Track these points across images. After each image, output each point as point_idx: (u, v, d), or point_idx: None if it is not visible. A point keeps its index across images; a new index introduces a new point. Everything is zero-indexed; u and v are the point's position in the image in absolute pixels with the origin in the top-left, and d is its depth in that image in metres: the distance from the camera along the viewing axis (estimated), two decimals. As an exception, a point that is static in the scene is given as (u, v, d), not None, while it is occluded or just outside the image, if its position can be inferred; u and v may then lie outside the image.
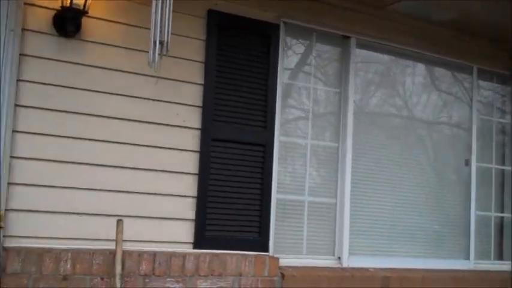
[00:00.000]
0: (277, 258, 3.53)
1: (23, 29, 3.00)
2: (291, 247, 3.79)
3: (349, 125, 3.97)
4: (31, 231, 2.99)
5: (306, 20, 3.86)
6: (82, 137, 3.12)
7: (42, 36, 3.05)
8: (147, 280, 3.16)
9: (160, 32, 2.86)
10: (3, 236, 2.93)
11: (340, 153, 3.97)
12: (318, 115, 4.01)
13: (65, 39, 3.10)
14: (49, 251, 2.96)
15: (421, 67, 4.49)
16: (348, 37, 4.03)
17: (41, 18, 3.05)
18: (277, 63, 3.68)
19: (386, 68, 4.35)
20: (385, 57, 4.33)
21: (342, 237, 3.89)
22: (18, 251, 2.89)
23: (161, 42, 2.85)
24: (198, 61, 3.45)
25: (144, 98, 3.29)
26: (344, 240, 3.89)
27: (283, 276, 3.49)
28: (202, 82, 3.45)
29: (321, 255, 3.88)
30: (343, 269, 3.81)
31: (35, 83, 3.03)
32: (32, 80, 3.02)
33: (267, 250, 3.57)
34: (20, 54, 2.99)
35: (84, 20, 3.10)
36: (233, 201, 3.50)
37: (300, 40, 3.98)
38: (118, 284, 2.97)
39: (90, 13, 3.07)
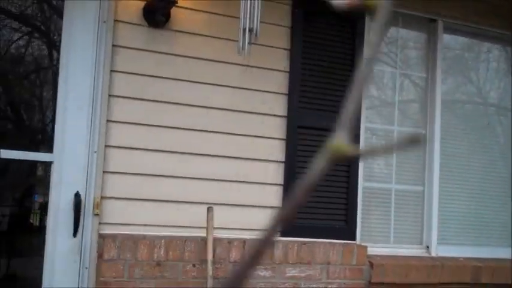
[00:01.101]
0: (366, 247, 3.48)
1: (115, 20, 3.07)
2: (378, 236, 3.72)
3: (436, 111, 3.84)
4: (125, 218, 3.06)
5: (391, 4, 3.74)
6: (173, 126, 3.16)
7: (133, 27, 3.11)
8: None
9: (249, 19, 2.86)
10: (99, 223, 3.02)
11: (428, 139, 3.86)
12: (404, 101, 3.91)
13: (155, 29, 3.14)
14: (143, 237, 3.02)
15: (507, 50, 4.29)
16: (434, 20, 3.90)
17: (132, 9, 3.10)
18: (363, 49, 3.60)
19: (473, 51, 4.18)
20: (472, 41, 4.16)
21: (431, 225, 3.79)
22: (114, 237, 2.97)
23: (250, 30, 2.85)
24: (283, 48, 3.42)
25: (231, 87, 3.29)
26: (432, 229, 3.78)
27: (371, 265, 3.43)
28: (288, 69, 3.42)
29: (409, 244, 3.79)
30: (433, 259, 3.72)
31: (126, 73, 3.09)
32: (124, 70, 3.08)
33: (354, 239, 3.52)
34: (113, 45, 3.06)
35: (173, 10, 3.12)
36: (320, 189, 3.45)
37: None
38: (210, 271, 3.00)
39: (179, 3, 3.09)
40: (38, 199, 11.27)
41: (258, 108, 3.35)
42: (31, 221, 9.70)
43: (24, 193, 10.08)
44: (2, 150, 2.94)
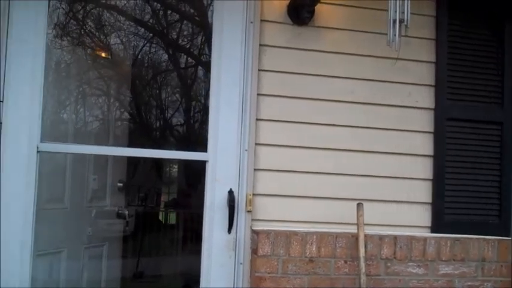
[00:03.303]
0: (523, 243, 3.30)
1: (261, 20, 3.12)
2: (534, 231, 3.53)
3: None
4: (276, 214, 3.11)
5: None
6: (320, 122, 3.16)
7: (277, 25, 3.15)
8: (388, 264, 3.12)
9: (398, 10, 2.79)
10: (252, 220, 3.08)
11: None
12: None
13: (299, 27, 3.16)
14: (295, 234, 3.04)
15: None
16: None
17: (276, 8, 3.14)
18: (513, 35, 3.43)
19: None
20: None
21: None
22: (268, 234, 3.01)
23: (400, 21, 2.79)
24: (428, 38, 3.32)
25: (376, 80, 3.25)
26: None
27: (530, 262, 3.26)
28: (434, 60, 3.32)
29: None
30: None
31: (273, 71, 3.13)
32: (270, 69, 3.13)
33: (508, 234, 3.35)
34: (260, 45, 3.12)
35: (318, 6, 3.13)
36: (471, 183, 3.34)
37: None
38: (363, 268, 2.97)
39: (323, -1, 3.10)
40: (162, 198, 11.77)
41: (403, 102, 3.28)
42: (160, 219, 10.14)
43: (150, 193, 10.58)
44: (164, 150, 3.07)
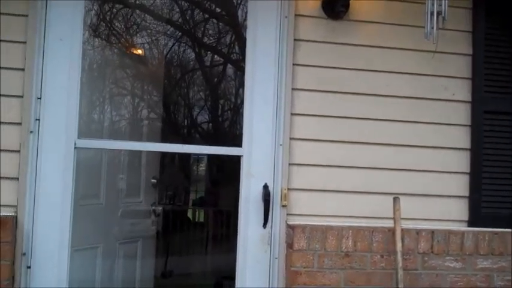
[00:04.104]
0: (563, 237, 3.24)
1: (296, 15, 3.11)
2: None
3: None
4: (311, 209, 3.10)
5: None
6: (355, 116, 3.15)
7: (312, 20, 3.14)
8: (425, 258, 3.09)
9: (436, 2, 2.77)
10: (287, 214, 3.08)
11: None
12: None
13: (334, 21, 3.15)
14: (331, 228, 3.03)
15: None
16: None
17: (311, 2, 3.13)
18: (552, 26, 3.36)
19: None
20: None
21: None
22: (303, 228, 3.01)
23: (438, 13, 2.76)
24: (465, 31, 3.28)
25: (412, 74, 3.22)
26: None
27: None
28: (471, 53, 3.27)
29: None
30: None
31: (307, 66, 3.12)
32: (305, 63, 3.12)
33: (547, 228, 3.30)
34: (294, 39, 3.11)
35: (351, 1, 3.11)
36: (508, 176, 3.29)
37: None
38: (400, 262, 2.94)
39: (358, -8, 3.08)
40: (190, 196, 11.76)
41: (440, 95, 3.24)
42: (188, 216, 10.17)
43: (178, 191, 10.63)
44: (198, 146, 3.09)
